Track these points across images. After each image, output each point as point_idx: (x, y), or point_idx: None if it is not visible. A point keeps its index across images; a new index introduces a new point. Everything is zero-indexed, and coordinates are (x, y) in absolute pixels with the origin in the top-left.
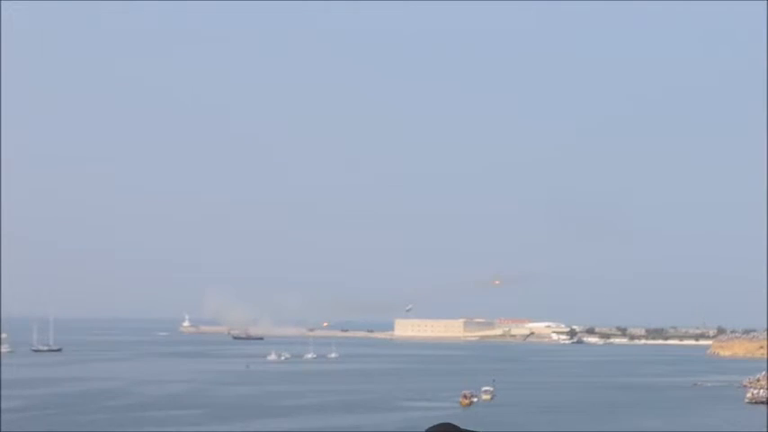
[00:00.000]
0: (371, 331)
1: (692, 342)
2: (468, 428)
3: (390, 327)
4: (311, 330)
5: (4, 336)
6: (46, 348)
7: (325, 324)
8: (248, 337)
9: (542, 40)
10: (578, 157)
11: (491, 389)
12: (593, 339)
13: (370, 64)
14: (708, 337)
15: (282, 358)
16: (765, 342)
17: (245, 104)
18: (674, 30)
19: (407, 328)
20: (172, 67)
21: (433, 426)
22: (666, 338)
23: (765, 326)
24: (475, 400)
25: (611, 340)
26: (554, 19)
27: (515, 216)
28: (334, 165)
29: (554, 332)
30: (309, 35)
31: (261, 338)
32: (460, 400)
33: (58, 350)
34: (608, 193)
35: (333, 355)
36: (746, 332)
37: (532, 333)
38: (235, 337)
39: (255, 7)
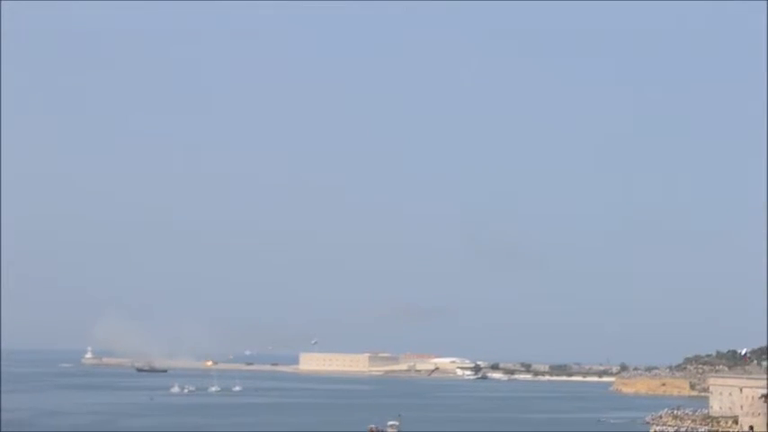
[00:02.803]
0: (276, 365)
1: (596, 379)
2: None
3: (295, 360)
4: (215, 363)
5: None
6: None
7: (230, 356)
8: (152, 370)
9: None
10: (491, 192)
11: (397, 423)
12: (497, 375)
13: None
14: (611, 374)
15: (186, 391)
16: (667, 379)
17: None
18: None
19: (313, 362)
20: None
21: None
22: (570, 375)
23: (667, 363)
24: None
25: (516, 376)
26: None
27: (421, 251)
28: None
29: (459, 368)
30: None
31: (165, 371)
32: None
33: None
34: (518, 227)
35: (237, 388)
36: (649, 369)
37: (437, 368)
38: (138, 369)
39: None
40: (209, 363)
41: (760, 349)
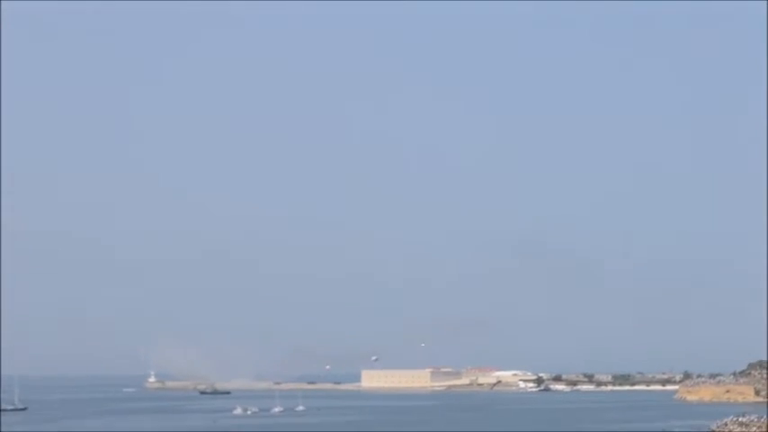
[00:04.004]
0: (339, 383)
1: (659, 387)
2: None
3: (357, 378)
4: (278, 384)
5: None
6: (11, 408)
7: (279, 381)
8: (215, 392)
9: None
10: (546, 201)
11: None
12: (559, 386)
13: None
14: (674, 383)
15: (249, 412)
16: (731, 386)
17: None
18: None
19: (374, 379)
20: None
21: None
22: (633, 384)
23: (731, 370)
24: None
25: (578, 387)
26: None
27: (480, 260)
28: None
29: (521, 380)
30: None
31: (228, 393)
32: None
33: (24, 409)
34: (577, 237)
35: (300, 408)
36: (713, 376)
37: (500, 381)
38: (201, 392)
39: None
40: (277, 383)
41: None
